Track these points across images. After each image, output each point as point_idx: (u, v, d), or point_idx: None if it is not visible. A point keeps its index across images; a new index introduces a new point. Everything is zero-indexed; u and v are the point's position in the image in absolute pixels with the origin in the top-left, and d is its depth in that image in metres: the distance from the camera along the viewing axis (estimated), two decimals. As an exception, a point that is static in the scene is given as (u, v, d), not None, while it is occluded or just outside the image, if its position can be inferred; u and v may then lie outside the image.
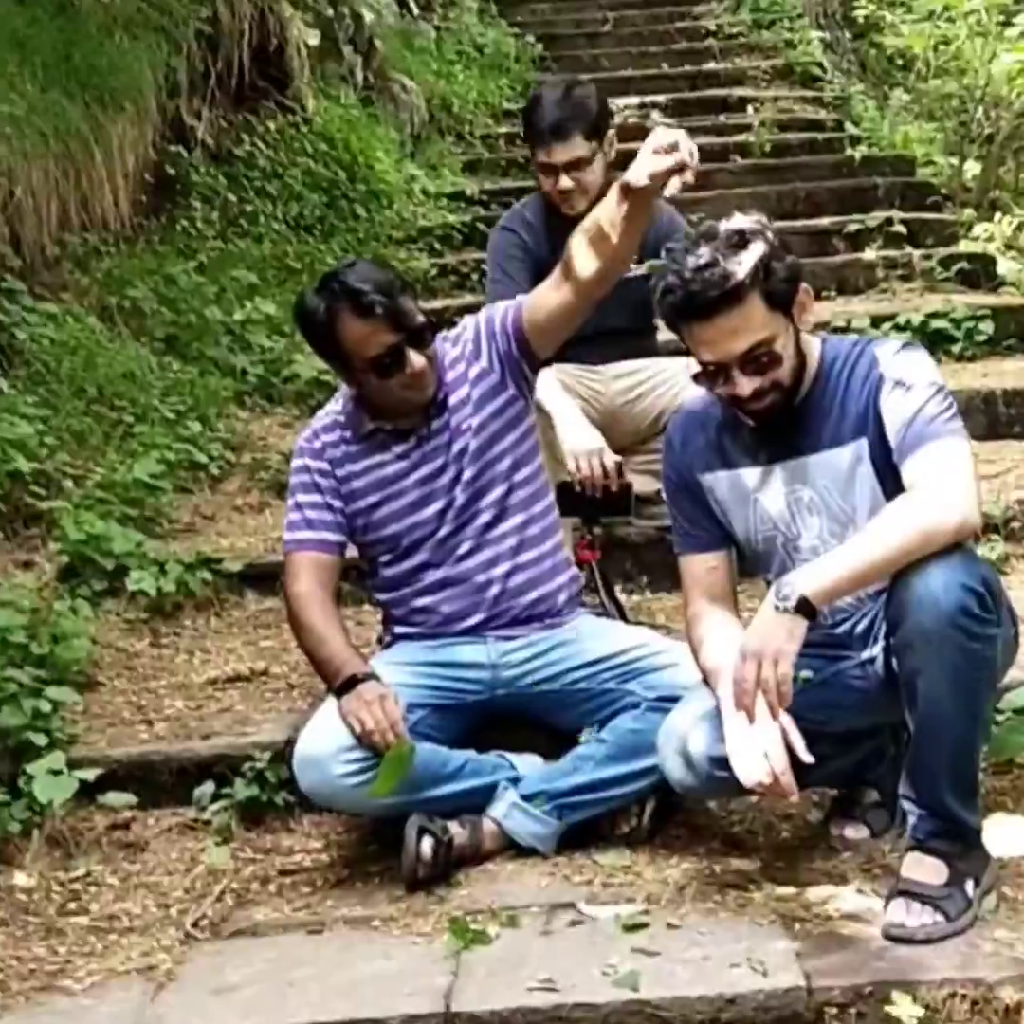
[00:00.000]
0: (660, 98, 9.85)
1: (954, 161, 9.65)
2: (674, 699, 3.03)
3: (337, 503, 3.31)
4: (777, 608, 2.60)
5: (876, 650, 2.84)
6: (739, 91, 9.94)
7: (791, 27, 10.84)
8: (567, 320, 3.28)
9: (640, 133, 9.66)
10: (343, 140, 7.75)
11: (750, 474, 2.89)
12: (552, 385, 3.87)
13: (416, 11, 10.35)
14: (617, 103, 9.86)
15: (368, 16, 9.05)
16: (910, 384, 2.73)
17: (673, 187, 2.85)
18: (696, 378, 2.82)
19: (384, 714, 2.99)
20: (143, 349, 5.63)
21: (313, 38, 8.10)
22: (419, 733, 3.11)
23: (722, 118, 9.51)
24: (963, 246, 6.75)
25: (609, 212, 3.04)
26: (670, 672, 3.11)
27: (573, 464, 3.76)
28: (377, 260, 3.36)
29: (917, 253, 6.69)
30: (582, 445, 3.79)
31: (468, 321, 3.39)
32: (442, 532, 3.28)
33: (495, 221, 7.72)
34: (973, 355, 5.71)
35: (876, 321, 5.84)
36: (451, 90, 9.66)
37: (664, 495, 3.05)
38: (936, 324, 5.76)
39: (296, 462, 3.37)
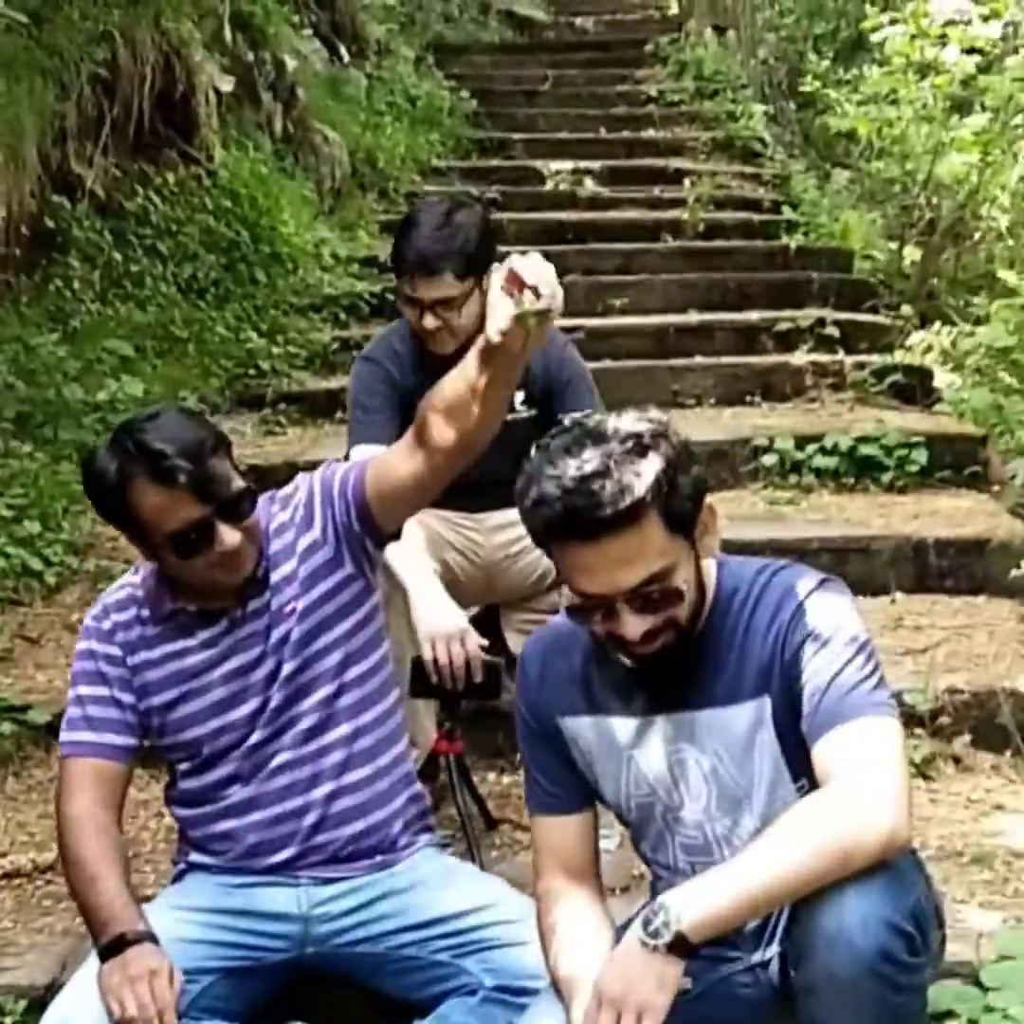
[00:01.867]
0: (595, 164, 9.23)
1: (892, 246, 9.12)
2: (518, 991, 2.36)
3: (127, 698, 2.62)
4: (645, 945, 1.93)
5: (771, 952, 2.19)
6: (677, 162, 9.33)
7: (734, 98, 10.26)
8: (418, 494, 2.63)
9: (570, 201, 9.10)
10: (249, 196, 7.03)
11: (624, 724, 2.22)
12: (410, 542, 3.17)
13: (347, 58, 9.66)
14: (550, 167, 9.29)
15: (291, 63, 8.35)
16: (826, 638, 2.08)
17: (536, 340, 2.23)
18: (570, 611, 2.15)
19: (153, 997, 2.30)
20: (-12, 430, 4.91)
21: (226, 84, 7.39)
22: (202, 1009, 2.43)
23: (657, 191, 8.90)
24: (898, 356, 6.13)
25: (468, 373, 2.39)
26: (517, 952, 2.43)
27: (429, 650, 3.06)
28: (186, 412, 2.71)
29: (849, 361, 6.07)
30: (440, 626, 3.09)
31: (301, 481, 2.71)
32: (253, 739, 2.60)
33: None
34: (904, 485, 5.09)
35: (800, 442, 5.21)
36: (377, 143, 8.98)
37: (518, 738, 2.37)
38: (865, 449, 5.13)
39: (80, 645, 2.68)
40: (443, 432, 2.47)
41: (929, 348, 6.22)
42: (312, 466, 5.18)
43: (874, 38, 8.49)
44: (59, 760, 2.65)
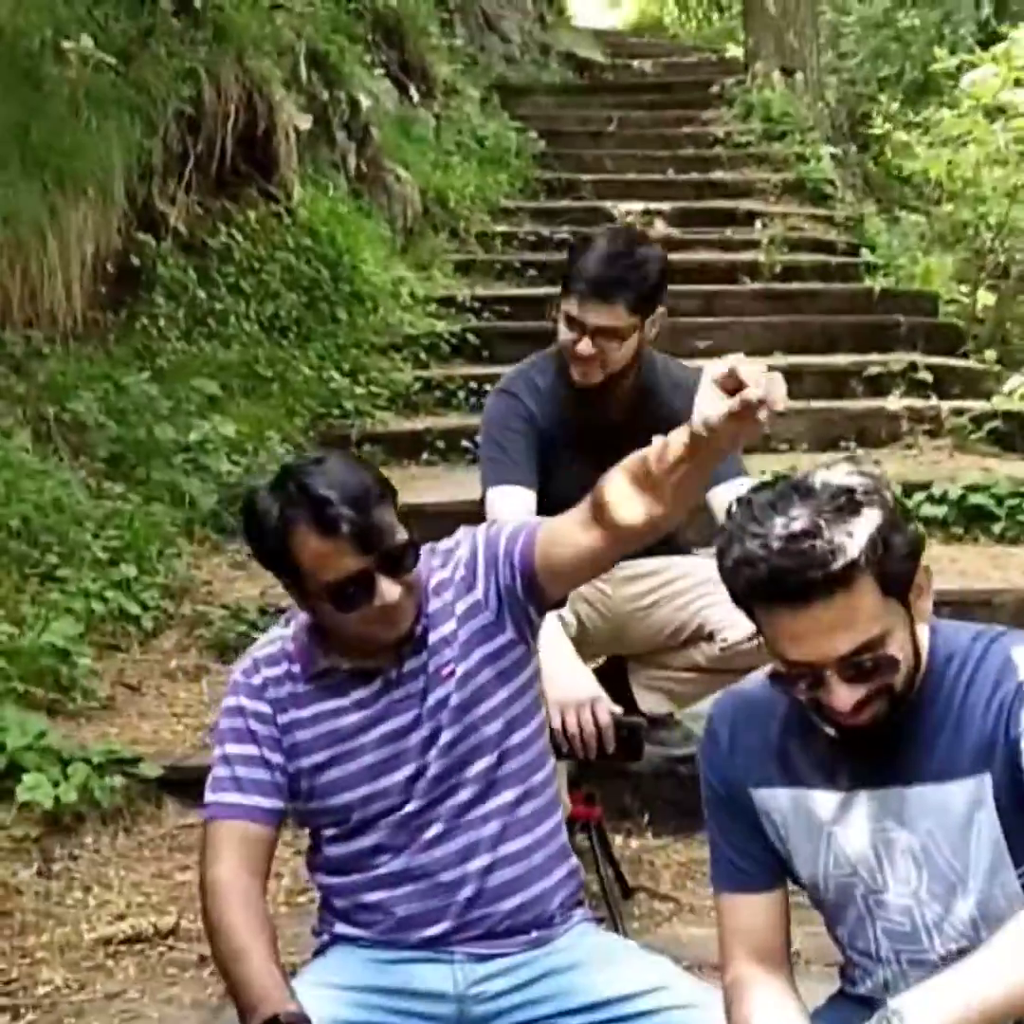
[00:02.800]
0: (665, 206, 9.12)
1: (964, 290, 8.97)
2: None
3: (276, 758, 2.43)
4: None
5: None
6: (747, 204, 9.21)
7: (802, 140, 10.12)
8: (592, 569, 2.45)
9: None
10: (328, 234, 6.92)
11: (825, 799, 2.03)
12: None
13: (416, 98, 9.58)
14: (620, 207, 9.18)
15: (365, 101, 8.27)
16: None
17: (749, 434, 2.05)
18: (773, 679, 1.98)
19: None
20: (81, 471, 4.77)
21: (304, 123, 7.31)
22: None
23: (729, 232, 8.77)
24: (996, 402, 5.95)
25: (666, 458, 2.20)
26: (695, 1015, 2.22)
27: (558, 718, 2.88)
28: (351, 457, 2.51)
29: (946, 406, 5.91)
30: (570, 693, 2.89)
31: (464, 537, 2.51)
32: (408, 808, 2.41)
33: (488, 333, 7.14)
34: (1016, 536, 4.91)
35: (907, 489, 5.03)
36: (447, 183, 8.89)
37: (703, 806, 2.19)
38: (975, 498, 4.96)
39: (228, 701, 2.48)
40: (628, 513, 2.27)
41: (1026, 394, 6.03)
42: (405, 513, 5.19)
43: (965, 80, 8.30)
44: (204, 823, 2.48)
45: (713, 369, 2.05)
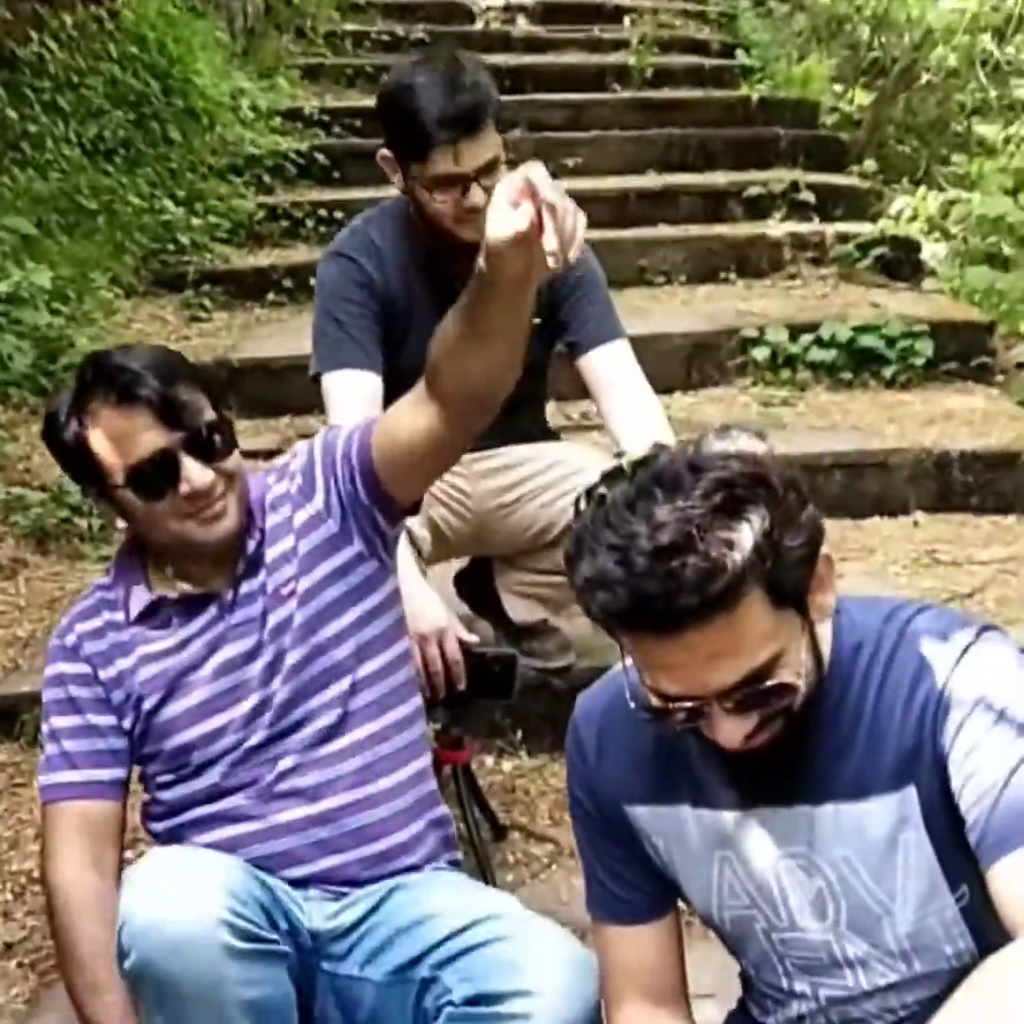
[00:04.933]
0: (528, 0, 8.40)
1: (837, 89, 8.46)
2: (493, 999, 1.82)
3: (105, 720, 2.11)
4: None
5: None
6: (614, -2, 8.53)
7: (672, -75, 9.38)
8: (434, 456, 2.09)
9: (503, 42, 8.31)
10: (157, 40, 6.17)
11: (714, 818, 1.64)
12: None
13: None
14: (479, 4, 8.47)
15: None
16: (996, 712, 1.51)
17: (549, 260, 1.70)
18: (645, 711, 1.55)
19: None
20: None
21: (125, -90, 6.47)
22: None
23: (597, 30, 8.12)
24: (882, 225, 5.52)
25: (471, 305, 1.88)
26: (493, 951, 1.87)
27: (417, 650, 2.46)
28: (168, 350, 2.21)
29: (830, 232, 5.47)
30: (418, 624, 2.46)
31: (300, 448, 2.19)
32: (252, 740, 2.08)
33: (339, 152, 6.48)
34: (907, 380, 4.53)
35: (794, 332, 4.62)
36: (292, -24, 8.06)
37: (573, 822, 1.79)
38: (865, 341, 4.56)
39: (47, 671, 2.16)
40: (454, 377, 1.95)
41: (915, 216, 5.60)
42: (250, 368, 4.66)
43: None
44: (41, 806, 2.12)
45: (506, 180, 1.74)
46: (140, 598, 2.11)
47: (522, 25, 8.29)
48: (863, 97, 8.63)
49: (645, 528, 1.40)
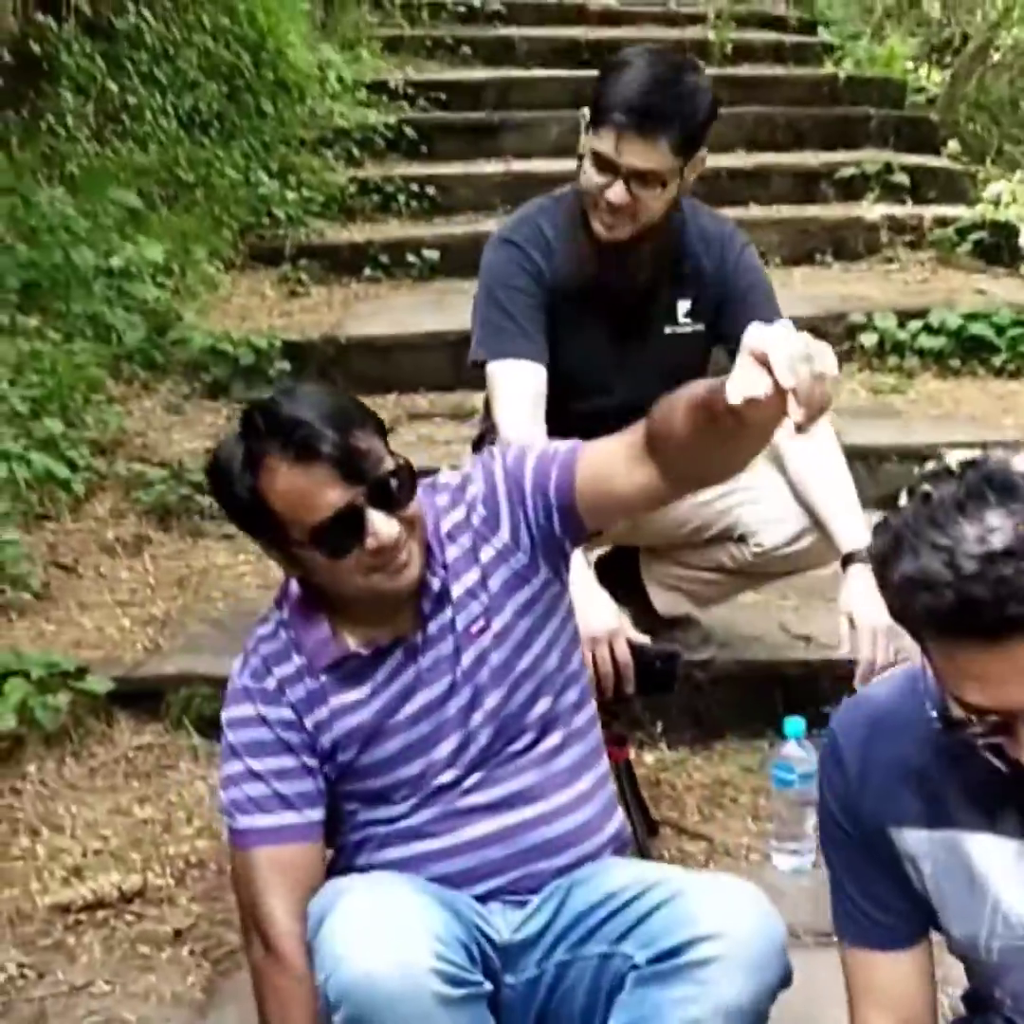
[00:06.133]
0: (600, -29, 8.28)
1: (910, 67, 8.34)
2: (674, 952, 1.81)
3: (314, 763, 2.01)
4: None
5: None
6: (688, -30, 8.42)
7: None
8: (647, 507, 2.06)
9: (578, 14, 8.21)
10: (247, 12, 6.11)
11: (994, 846, 1.58)
12: None
13: None
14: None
15: None
16: None
17: (787, 430, 1.57)
18: (946, 723, 1.52)
19: None
20: (-11, 305, 4.14)
21: None
22: None
23: (673, 3, 8.01)
24: (982, 210, 5.43)
25: (718, 411, 1.71)
26: (669, 910, 1.85)
27: (588, 653, 2.41)
28: (328, 386, 2.16)
29: (928, 215, 5.39)
30: (588, 627, 2.39)
31: (475, 470, 2.06)
32: (446, 778, 2.01)
33: (427, 125, 6.42)
34: (1017, 369, 4.47)
35: (901, 318, 4.56)
36: (368, -55, 7.97)
37: (822, 841, 1.75)
38: (975, 329, 4.49)
39: (240, 710, 2.02)
40: (683, 459, 1.84)
41: (1014, 200, 5.52)
42: (357, 346, 4.61)
43: None
44: (235, 851, 2.01)
45: (751, 337, 1.61)
46: (327, 650, 1.99)
47: (598, -1, 8.18)
48: (936, 76, 8.53)
49: (976, 531, 1.34)
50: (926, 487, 1.41)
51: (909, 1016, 1.67)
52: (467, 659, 1.99)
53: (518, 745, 2.03)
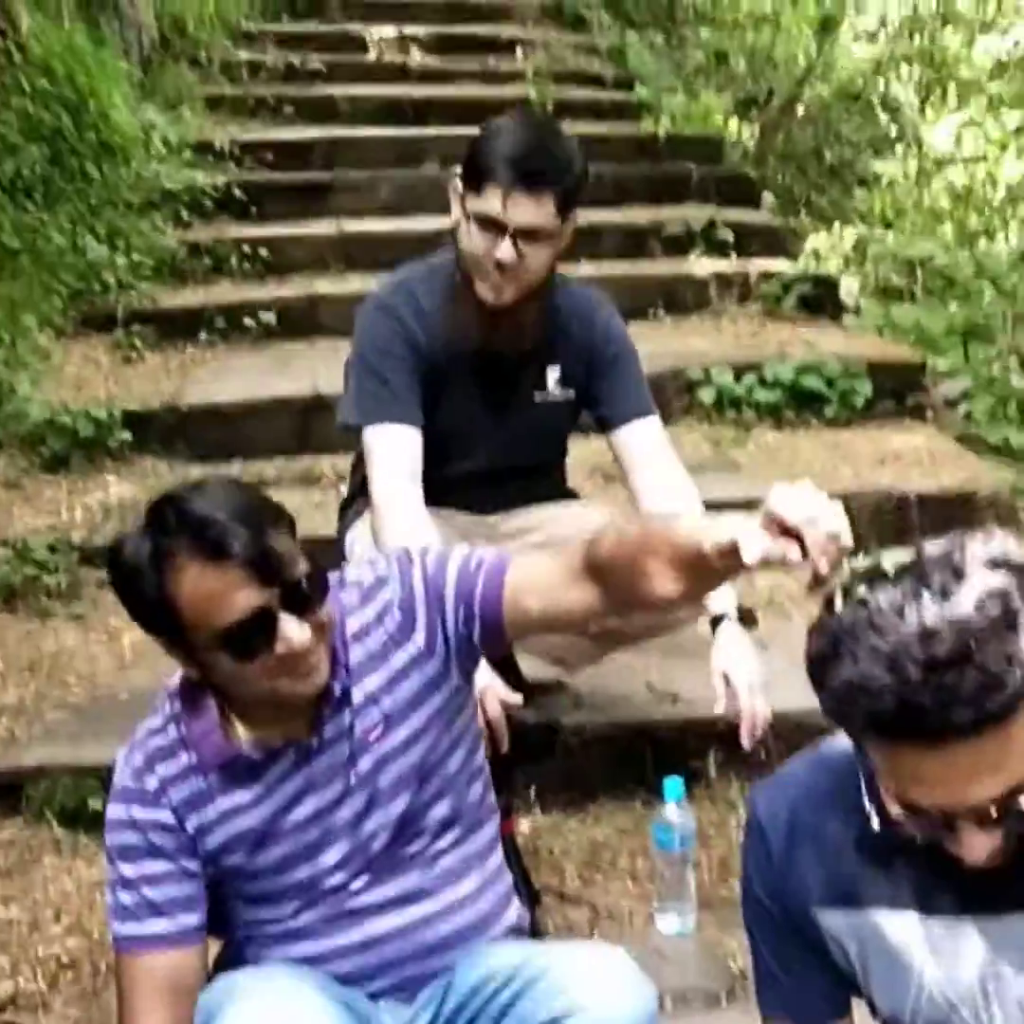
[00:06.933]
0: (420, 31, 8.35)
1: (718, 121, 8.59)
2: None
3: (192, 865, 1.97)
4: None
5: None
6: (507, 30, 8.53)
7: (555, -44, 9.43)
8: (581, 627, 2.22)
9: (399, 73, 8.25)
10: (66, 74, 5.99)
11: (918, 925, 1.61)
12: None
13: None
14: (371, 33, 8.39)
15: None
16: None
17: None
18: (885, 822, 1.50)
19: None
20: None
21: (25, -61, 6.28)
22: None
23: (492, 61, 8.11)
24: (803, 264, 5.62)
25: (685, 558, 1.74)
26: (540, 987, 1.87)
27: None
28: (237, 482, 2.08)
29: (753, 269, 5.54)
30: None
31: (388, 571, 2.02)
32: (334, 882, 1.98)
33: (255, 187, 6.36)
34: (848, 419, 4.62)
35: (737, 372, 4.67)
36: (183, 5, 7.90)
37: (746, 919, 1.75)
38: (807, 381, 4.63)
39: (115, 812, 1.97)
40: (637, 587, 1.82)
41: (831, 253, 5.72)
42: (200, 413, 4.54)
43: None
44: (117, 956, 1.96)
45: (773, 501, 1.60)
46: (218, 749, 1.95)
47: (416, 56, 8.24)
48: (746, 131, 8.80)
49: (917, 633, 1.36)
50: (862, 590, 1.43)
51: None
52: (364, 765, 1.96)
53: (413, 847, 2.00)
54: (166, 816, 1.94)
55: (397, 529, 2.64)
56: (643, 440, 2.86)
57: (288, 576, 1.85)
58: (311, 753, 1.95)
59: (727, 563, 1.66)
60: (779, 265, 5.66)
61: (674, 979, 2.45)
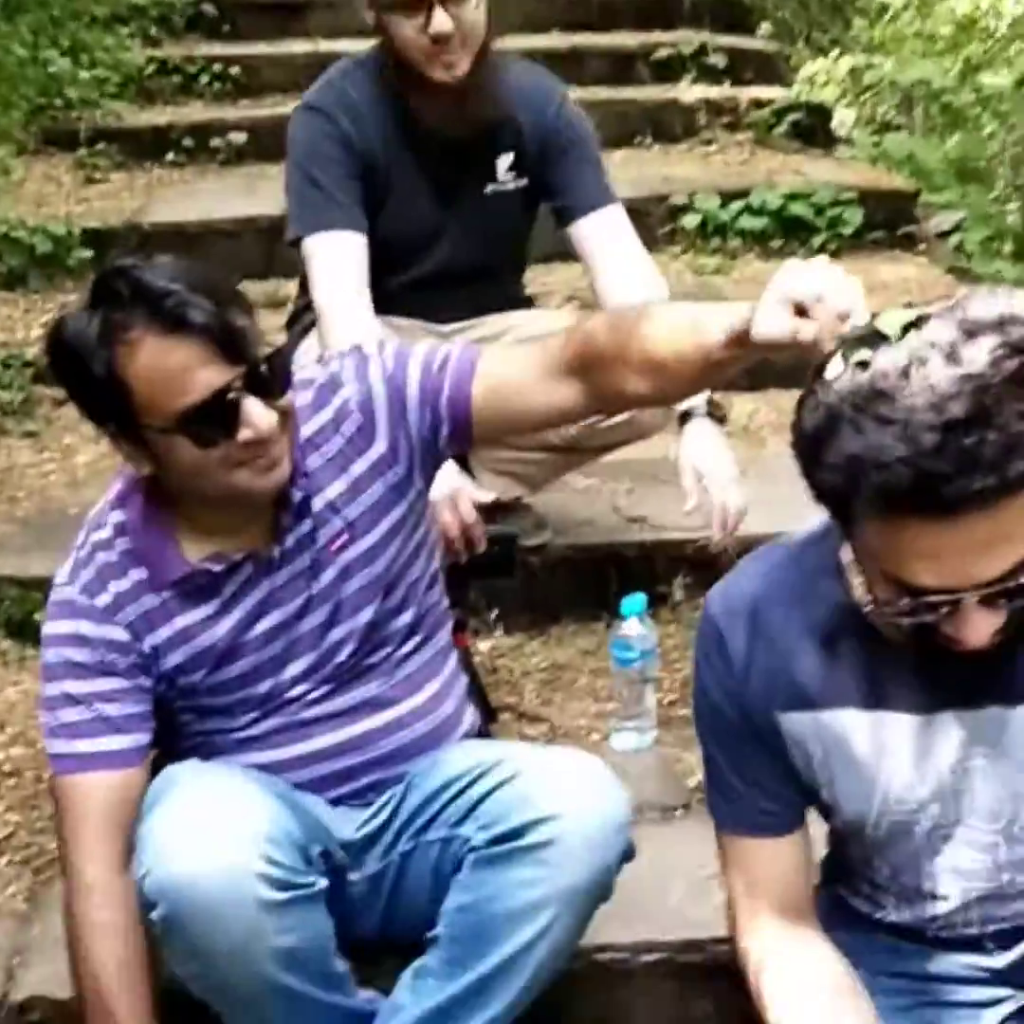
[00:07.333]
0: None
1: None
2: (513, 835, 1.78)
3: (144, 681, 1.86)
4: None
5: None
6: None
7: None
8: (556, 425, 2.06)
9: None
10: None
11: (891, 722, 1.52)
12: None
13: None
14: None
15: None
16: None
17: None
18: (875, 606, 1.40)
19: None
20: None
21: None
22: None
23: None
24: (797, 91, 5.41)
25: (703, 338, 1.62)
26: (506, 791, 1.82)
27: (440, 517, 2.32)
28: (202, 263, 1.92)
29: (744, 97, 5.34)
30: (435, 488, 2.24)
31: (343, 370, 1.90)
32: (293, 693, 1.90)
33: (226, 4, 6.10)
34: (836, 249, 4.46)
35: (724, 199, 4.52)
36: None
37: (700, 730, 1.65)
38: (796, 209, 4.48)
39: (60, 626, 1.86)
40: (627, 381, 1.72)
41: (827, 82, 5.51)
42: (163, 232, 4.38)
43: None
44: (54, 778, 1.88)
45: (783, 279, 1.51)
46: (172, 564, 1.83)
47: None
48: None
49: (928, 397, 1.24)
50: (862, 354, 1.31)
51: (787, 898, 1.63)
52: (326, 576, 1.87)
53: (377, 656, 1.93)
54: (119, 634, 1.84)
55: (344, 342, 2.53)
56: (606, 229, 2.73)
57: (252, 356, 1.73)
58: (272, 565, 1.85)
59: (732, 353, 1.57)
60: (772, 93, 5.45)
61: (631, 793, 2.38)
